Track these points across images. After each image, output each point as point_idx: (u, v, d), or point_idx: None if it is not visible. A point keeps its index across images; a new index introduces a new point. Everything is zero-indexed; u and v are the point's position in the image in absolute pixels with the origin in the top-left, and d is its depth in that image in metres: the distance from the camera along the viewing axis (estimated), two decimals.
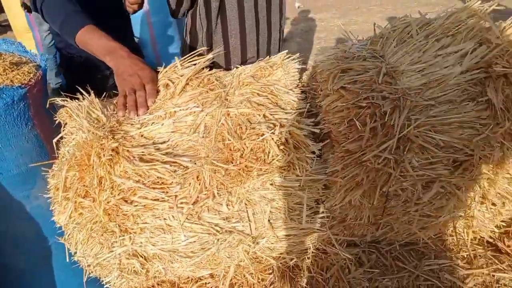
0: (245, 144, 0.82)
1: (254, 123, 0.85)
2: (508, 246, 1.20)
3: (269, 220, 0.95)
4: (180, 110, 0.92)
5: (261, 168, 0.81)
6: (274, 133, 0.81)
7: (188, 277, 1.14)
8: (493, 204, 1.09)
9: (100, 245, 0.89)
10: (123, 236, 0.87)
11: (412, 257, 1.18)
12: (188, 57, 1.04)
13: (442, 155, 0.92)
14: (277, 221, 0.96)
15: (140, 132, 0.90)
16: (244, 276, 1.13)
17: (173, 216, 0.87)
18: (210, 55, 1.06)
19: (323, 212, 0.99)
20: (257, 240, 1.01)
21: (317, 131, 0.86)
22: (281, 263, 1.13)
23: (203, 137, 0.87)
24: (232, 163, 0.83)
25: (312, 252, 1.17)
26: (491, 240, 1.23)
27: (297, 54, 1.01)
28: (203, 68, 1.03)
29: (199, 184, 0.83)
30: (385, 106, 0.84)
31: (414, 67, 0.91)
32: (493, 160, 0.94)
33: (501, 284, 1.09)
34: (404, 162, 0.93)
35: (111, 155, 0.84)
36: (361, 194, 0.98)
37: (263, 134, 0.81)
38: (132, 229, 0.87)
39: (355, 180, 0.94)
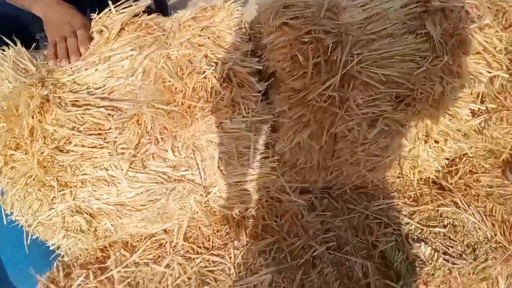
0: (186, 84, 0.79)
1: (195, 63, 0.81)
2: (451, 184, 1.27)
3: (219, 167, 0.93)
4: (116, 54, 0.87)
5: (204, 108, 0.79)
6: (215, 71, 0.78)
7: (141, 235, 1.11)
8: (436, 141, 1.13)
9: (38, 202, 0.83)
10: (63, 190, 0.82)
11: (362, 199, 1.22)
12: (123, 2, 0.97)
13: (385, 90, 0.93)
14: (227, 167, 0.95)
15: (73, 79, 0.84)
16: (199, 229, 1.12)
17: (115, 166, 0.83)
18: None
19: (273, 156, 0.99)
20: (209, 189, 1.00)
21: (260, 67, 0.84)
22: (235, 214, 1.13)
23: (141, 80, 0.83)
24: (175, 105, 0.79)
25: (266, 201, 1.17)
26: (436, 180, 1.30)
27: None
28: (140, 15, 0.97)
29: (140, 129, 0.79)
30: (327, 40, 0.83)
31: (355, 3, 0.91)
32: (433, 95, 0.96)
33: (443, 217, 1.16)
34: (349, 101, 0.93)
35: (41, 103, 0.78)
36: (309, 136, 0.98)
37: (204, 72, 0.78)
38: (72, 182, 0.82)
39: (302, 121, 0.94)
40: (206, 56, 0.84)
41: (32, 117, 0.77)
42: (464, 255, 1.05)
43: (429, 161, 1.20)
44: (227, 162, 0.93)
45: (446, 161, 1.26)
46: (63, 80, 0.83)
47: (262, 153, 0.97)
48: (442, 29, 0.90)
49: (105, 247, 1.09)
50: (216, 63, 0.81)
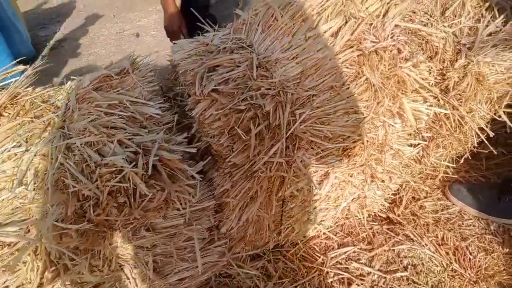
0: (97, 188, 0.59)
1: (107, 156, 0.62)
2: (398, 215, 1.23)
3: (155, 269, 0.75)
4: None
5: (127, 219, 0.60)
6: (136, 166, 0.60)
7: None
8: (382, 180, 1.08)
9: None
10: None
11: (317, 252, 1.12)
12: None
13: (332, 146, 0.84)
14: (165, 267, 0.77)
15: None
16: None
17: None
18: (29, 69, 0.78)
19: (219, 239, 0.83)
20: None
21: (194, 150, 0.68)
22: None
23: (34, 189, 0.61)
24: (85, 219, 0.59)
25: (215, 280, 1.01)
26: (382, 214, 1.25)
27: (150, 53, 0.80)
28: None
29: (41, 260, 0.57)
30: (267, 106, 0.70)
31: (287, 54, 0.80)
32: (378, 140, 0.90)
33: (402, 257, 1.10)
34: (296, 162, 0.82)
35: None
36: (257, 208, 0.85)
37: (121, 171, 0.60)
38: None
39: (248, 195, 0.80)
40: (120, 143, 0.65)
41: None
42: None
43: (376, 199, 1.14)
44: (164, 262, 0.75)
45: (392, 195, 1.22)
46: None
47: (205, 238, 0.81)
48: (379, 72, 0.84)
49: None
50: (136, 153, 0.63)
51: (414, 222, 1.21)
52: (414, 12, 1.00)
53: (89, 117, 0.69)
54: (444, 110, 0.92)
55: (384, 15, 0.93)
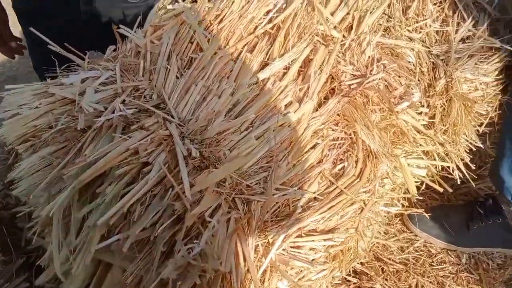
0: None
1: None
2: (362, 264, 1.00)
3: None
4: None
5: None
6: None
7: None
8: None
9: None
10: None
11: None
12: None
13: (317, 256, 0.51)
14: None
15: None
16: None
17: None
18: None
19: None
20: None
21: None
22: None
23: None
24: None
25: None
26: None
27: None
28: None
29: None
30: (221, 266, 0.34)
31: (234, 122, 0.43)
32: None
33: None
34: None
35: None
36: None
37: None
38: None
39: None
40: None
41: None
42: None
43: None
44: None
45: None
46: None
47: None
48: (373, 126, 0.53)
49: None
50: None
51: (383, 272, 0.98)
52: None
53: None
54: (448, 163, 0.66)
55: (356, 28, 0.61)
